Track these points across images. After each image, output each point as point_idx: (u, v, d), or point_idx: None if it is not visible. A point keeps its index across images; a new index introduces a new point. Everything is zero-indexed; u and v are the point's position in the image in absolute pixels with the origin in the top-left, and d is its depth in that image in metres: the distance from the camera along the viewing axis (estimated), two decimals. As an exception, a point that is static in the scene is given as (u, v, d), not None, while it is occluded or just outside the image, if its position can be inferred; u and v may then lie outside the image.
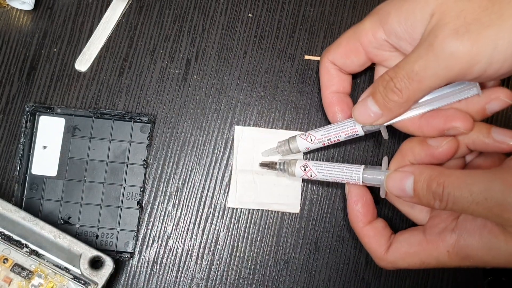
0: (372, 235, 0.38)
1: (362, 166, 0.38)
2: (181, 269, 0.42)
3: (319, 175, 0.39)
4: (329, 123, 0.41)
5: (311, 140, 0.39)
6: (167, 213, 0.42)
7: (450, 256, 0.34)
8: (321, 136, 0.39)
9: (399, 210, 0.39)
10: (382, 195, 0.37)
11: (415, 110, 0.36)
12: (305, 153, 0.43)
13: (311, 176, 0.39)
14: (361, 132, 0.38)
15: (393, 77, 0.34)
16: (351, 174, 0.38)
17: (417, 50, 0.33)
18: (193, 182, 0.43)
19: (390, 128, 0.38)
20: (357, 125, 0.38)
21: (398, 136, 0.42)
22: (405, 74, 0.33)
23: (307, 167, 0.39)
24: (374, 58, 0.39)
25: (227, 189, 0.42)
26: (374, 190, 0.39)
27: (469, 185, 0.31)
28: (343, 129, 0.39)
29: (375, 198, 0.39)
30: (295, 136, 0.40)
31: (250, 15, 0.44)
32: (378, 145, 0.43)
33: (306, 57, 0.44)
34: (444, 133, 0.36)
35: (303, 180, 0.43)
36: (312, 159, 0.43)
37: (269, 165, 0.41)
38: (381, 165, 0.38)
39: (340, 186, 0.43)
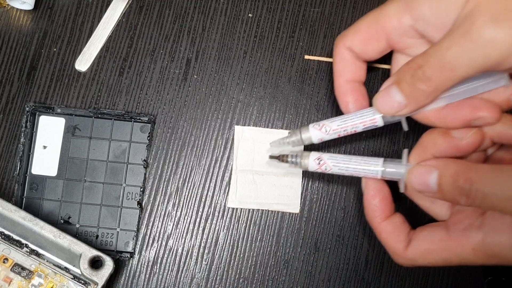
0: (390, 231, 0.35)
1: (381, 159, 0.35)
2: (181, 269, 0.42)
3: (335, 168, 0.36)
4: (341, 113, 0.38)
5: (326, 131, 0.36)
6: (167, 213, 0.42)
7: (475, 254, 0.32)
8: (337, 127, 0.36)
9: (418, 205, 0.38)
10: (402, 189, 0.35)
11: (439, 101, 0.34)
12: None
13: (325, 169, 0.36)
14: (380, 123, 0.35)
15: (422, 64, 0.31)
16: (370, 167, 0.35)
17: (450, 37, 0.31)
18: (193, 182, 0.43)
19: (408, 119, 0.36)
20: (376, 115, 0.35)
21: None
22: (436, 61, 0.31)
23: (321, 160, 0.36)
24: (395, 45, 0.36)
25: (227, 189, 0.42)
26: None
27: (501, 181, 0.30)
28: (361, 119, 0.36)
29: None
30: (308, 125, 0.37)
31: (250, 15, 0.44)
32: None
33: (306, 57, 0.44)
34: (470, 124, 0.34)
35: (303, 180, 0.43)
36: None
37: (280, 158, 0.38)
38: (397, 158, 0.36)
39: (340, 186, 0.43)
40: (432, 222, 0.37)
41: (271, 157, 0.39)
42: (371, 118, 0.35)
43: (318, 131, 0.37)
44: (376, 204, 0.36)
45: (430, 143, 0.35)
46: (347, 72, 0.38)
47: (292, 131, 0.38)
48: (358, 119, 0.36)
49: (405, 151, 0.36)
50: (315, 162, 0.36)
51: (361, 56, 0.37)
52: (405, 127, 0.36)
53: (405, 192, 0.36)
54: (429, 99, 0.33)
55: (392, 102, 0.33)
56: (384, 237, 0.36)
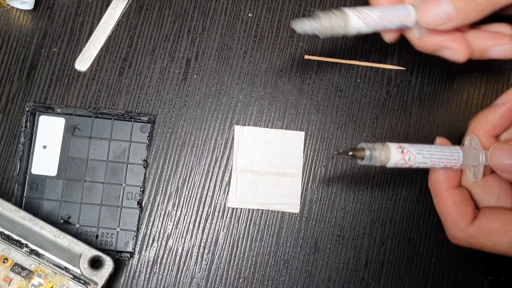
0: (458, 201, 0.33)
1: (459, 147, 0.33)
2: (181, 269, 0.42)
3: (419, 157, 0.32)
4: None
5: (366, 21, 0.31)
6: (167, 213, 0.42)
7: None
8: (377, 19, 0.32)
9: (478, 199, 0.34)
10: (479, 177, 0.33)
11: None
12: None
13: (408, 160, 0.31)
14: (413, 24, 0.33)
15: None
16: (451, 154, 0.32)
17: None
18: (193, 182, 0.43)
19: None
20: (411, 14, 0.33)
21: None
22: None
23: (404, 149, 0.31)
24: None
25: (227, 189, 0.42)
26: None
27: None
28: (398, 15, 0.32)
29: None
30: (344, 10, 0.31)
31: (250, 15, 0.44)
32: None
33: (306, 57, 0.44)
34: (485, 54, 0.34)
35: (303, 180, 0.43)
36: (313, 159, 0.43)
37: (349, 153, 0.31)
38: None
39: (340, 185, 0.43)
40: None
41: (339, 154, 0.32)
42: (406, 16, 0.33)
43: (359, 19, 0.31)
44: (446, 171, 0.33)
45: (482, 122, 0.33)
46: None
47: (325, 13, 0.31)
48: (397, 13, 0.32)
49: (472, 137, 0.33)
50: (398, 151, 0.31)
51: None
52: (419, 33, 0.33)
53: (466, 185, 0.34)
54: (480, 15, 0.32)
55: (440, 13, 0.31)
56: (449, 206, 0.33)
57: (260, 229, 0.42)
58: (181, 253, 0.42)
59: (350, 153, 0.31)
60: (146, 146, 0.42)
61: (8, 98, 0.43)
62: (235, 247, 0.42)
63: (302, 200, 0.42)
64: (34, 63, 0.43)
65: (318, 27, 0.31)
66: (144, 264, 0.42)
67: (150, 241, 0.42)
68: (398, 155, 0.31)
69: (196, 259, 0.42)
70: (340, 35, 0.32)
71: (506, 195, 0.34)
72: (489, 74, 0.45)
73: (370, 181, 0.43)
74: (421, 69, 0.44)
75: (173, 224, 0.42)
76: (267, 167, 0.42)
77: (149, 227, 0.42)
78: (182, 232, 0.42)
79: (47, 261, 0.38)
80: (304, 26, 0.31)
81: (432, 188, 0.34)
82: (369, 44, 0.44)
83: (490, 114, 0.33)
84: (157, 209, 0.42)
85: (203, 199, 0.42)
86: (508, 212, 0.33)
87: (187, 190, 0.42)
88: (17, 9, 0.43)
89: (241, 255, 0.42)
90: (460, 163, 0.32)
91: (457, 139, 0.43)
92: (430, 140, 0.44)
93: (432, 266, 0.42)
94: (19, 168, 0.41)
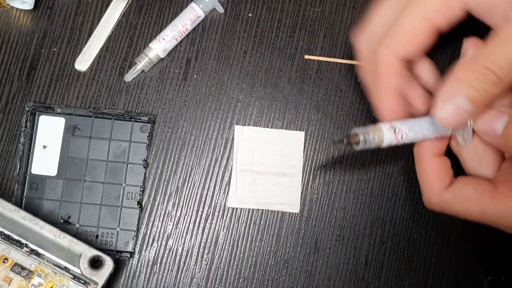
0: (437, 167, 0.34)
1: None
2: (181, 268, 0.42)
3: (411, 134, 0.32)
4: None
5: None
6: (167, 212, 0.42)
7: None
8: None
9: (465, 164, 0.35)
10: (461, 141, 0.34)
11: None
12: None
13: (401, 138, 0.32)
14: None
15: (491, 66, 0.29)
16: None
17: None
18: (193, 182, 0.43)
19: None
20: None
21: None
22: (506, 61, 0.29)
23: (395, 128, 0.32)
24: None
25: (227, 189, 0.42)
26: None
27: None
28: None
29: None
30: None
31: (250, 14, 0.44)
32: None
33: (306, 57, 0.44)
34: None
35: (303, 180, 0.43)
36: (314, 160, 0.43)
37: (346, 141, 0.33)
38: None
39: (340, 185, 0.43)
40: None
41: (336, 142, 0.34)
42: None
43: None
44: (432, 140, 0.34)
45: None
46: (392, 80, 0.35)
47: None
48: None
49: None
50: (391, 131, 0.32)
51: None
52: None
53: (455, 149, 0.35)
54: (495, 99, 0.31)
55: (461, 112, 0.30)
56: (429, 171, 0.34)
57: (260, 229, 0.42)
58: (181, 253, 0.42)
59: (345, 140, 0.33)
60: (146, 146, 0.42)
61: (8, 98, 0.43)
62: (235, 247, 0.42)
63: (302, 200, 0.42)
64: (34, 63, 0.43)
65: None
66: (144, 264, 0.42)
67: (150, 241, 0.42)
68: (390, 136, 0.32)
69: (196, 259, 0.42)
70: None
71: (488, 160, 0.35)
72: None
73: (370, 181, 0.43)
74: (421, 69, 0.44)
75: (173, 224, 0.42)
76: (267, 167, 0.42)
77: (149, 227, 0.42)
78: (182, 232, 0.42)
79: (47, 261, 0.38)
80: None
81: (416, 154, 0.35)
82: (369, 44, 0.44)
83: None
84: (157, 209, 0.42)
85: (203, 199, 0.42)
86: (483, 181, 0.33)
87: (187, 190, 0.42)
88: (17, 9, 0.43)
89: (241, 255, 0.42)
90: (450, 131, 0.33)
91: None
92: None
93: (432, 266, 0.42)
94: (19, 168, 0.41)
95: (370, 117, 0.43)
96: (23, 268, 0.38)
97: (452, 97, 0.30)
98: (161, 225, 0.42)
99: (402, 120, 0.33)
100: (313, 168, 0.43)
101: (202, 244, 0.42)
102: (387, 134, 0.32)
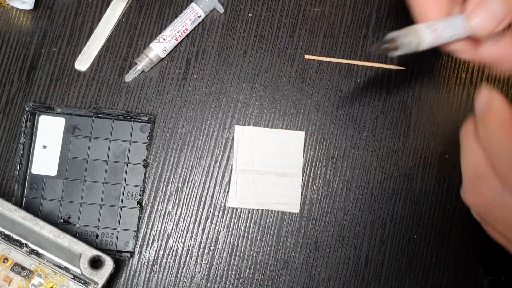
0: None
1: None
2: (181, 268, 0.42)
3: (449, 30, 0.30)
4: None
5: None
6: (167, 212, 0.42)
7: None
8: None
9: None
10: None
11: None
12: None
13: (440, 37, 0.31)
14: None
15: None
16: (461, 22, 0.30)
17: None
18: (193, 182, 0.43)
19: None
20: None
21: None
22: None
23: (432, 27, 0.30)
24: None
25: (227, 189, 0.42)
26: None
27: None
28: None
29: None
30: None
31: (250, 14, 0.44)
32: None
33: (306, 57, 0.44)
34: None
35: (303, 180, 0.43)
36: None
37: (385, 47, 0.30)
38: None
39: (340, 185, 0.43)
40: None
41: (375, 49, 0.31)
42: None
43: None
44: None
45: None
46: None
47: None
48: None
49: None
50: (428, 31, 0.30)
51: None
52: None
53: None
54: None
55: (494, 17, 0.28)
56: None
57: (260, 229, 0.42)
58: (181, 253, 0.42)
59: (383, 46, 0.30)
60: (146, 146, 0.42)
61: (8, 98, 0.43)
62: (235, 247, 0.42)
63: (302, 200, 0.42)
64: (34, 63, 0.43)
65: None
66: (144, 264, 0.42)
67: (150, 241, 0.42)
68: (430, 34, 0.30)
69: (196, 259, 0.42)
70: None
71: None
72: (489, 73, 0.45)
73: (370, 181, 0.43)
74: (421, 69, 0.44)
75: (173, 224, 0.42)
76: (267, 167, 0.42)
77: (149, 227, 0.42)
78: (182, 232, 0.42)
79: (47, 261, 0.38)
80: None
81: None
82: (369, 43, 0.44)
83: None
84: (157, 209, 0.42)
85: (203, 199, 0.42)
86: None
87: (187, 190, 0.42)
88: (17, 9, 0.43)
89: (241, 255, 0.42)
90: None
91: (457, 139, 0.43)
92: (430, 140, 0.44)
93: (432, 266, 0.42)
94: (19, 168, 0.41)
95: (370, 117, 0.43)
96: (23, 268, 0.38)
97: (484, 2, 0.29)
98: (161, 225, 0.42)
99: (434, 21, 0.31)
100: (313, 168, 0.43)
101: (202, 244, 0.42)
102: (427, 33, 0.30)
